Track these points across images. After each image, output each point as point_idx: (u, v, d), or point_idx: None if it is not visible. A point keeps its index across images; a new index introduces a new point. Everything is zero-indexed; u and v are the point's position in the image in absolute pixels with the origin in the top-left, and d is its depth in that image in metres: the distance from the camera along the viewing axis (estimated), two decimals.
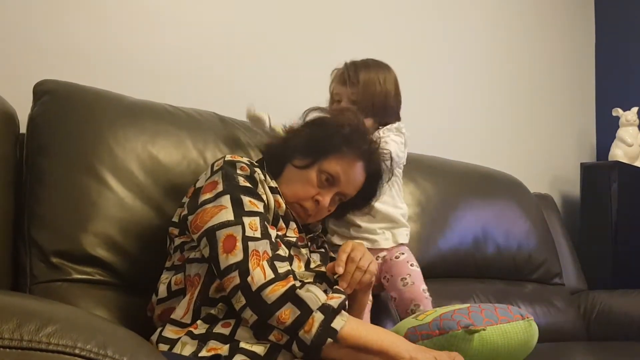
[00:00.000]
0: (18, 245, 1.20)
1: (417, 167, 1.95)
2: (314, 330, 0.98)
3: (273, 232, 1.10)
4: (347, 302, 1.09)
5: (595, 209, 2.61)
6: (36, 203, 1.21)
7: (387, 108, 1.50)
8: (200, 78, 1.82)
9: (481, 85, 2.65)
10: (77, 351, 0.54)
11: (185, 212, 1.14)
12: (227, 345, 1.01)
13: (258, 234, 1.05)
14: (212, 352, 0.99)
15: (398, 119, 1.53)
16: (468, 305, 1.22)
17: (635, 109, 2.82)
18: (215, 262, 1.04)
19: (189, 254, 1.13)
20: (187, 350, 1.02)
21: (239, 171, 1.14)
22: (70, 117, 1.28)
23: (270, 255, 1.04)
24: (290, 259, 1.14)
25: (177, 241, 1.16)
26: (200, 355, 1.00)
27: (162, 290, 1.14)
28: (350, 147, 1.24)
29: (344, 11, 2.20)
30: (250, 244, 1.03)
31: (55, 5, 1.57)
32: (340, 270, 1.14)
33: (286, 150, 1.28)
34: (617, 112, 2.84)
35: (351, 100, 1.48)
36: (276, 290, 1.00)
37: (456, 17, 2.57)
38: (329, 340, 0.98)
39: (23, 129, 1.31)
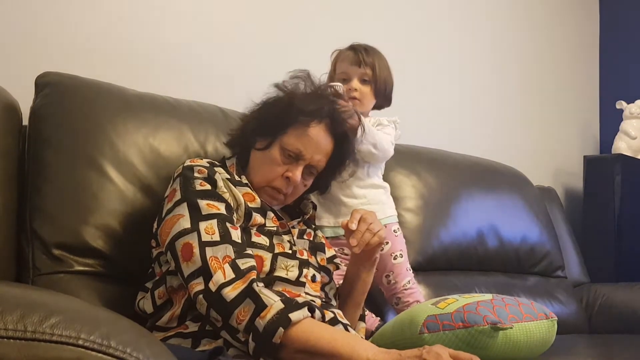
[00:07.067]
0: (20, 237, 1.20)
1: (420, 159, 1.95)
2: (269, 316, 0.94)
3: (236, 232, 1.07)
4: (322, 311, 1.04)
5: (598, 202, 2.61)
6: (38, 195, 1.21)
7: (389, 93, 1.58)
8: (202, 71, 1.81)
9: (484, 78, 2.63)
10: (80, 342, 0.55)
11: (156, 225, 1.14)
12: (221, 340, 1.01)
13: (217, 237, 1.03)
14: (208, 347, 0.99)
15: (390, 103, 1.61)
16: (491, 296, 1.21)
17: (639, 102, 2.81)
18: (180, 271, 1.03)
19: (166, 267, 1.12)
20: None
21: (196, 174, 1.12)
22: (72, 110, 1.28)
23: (233, 257, 1.01)
24: (271, 248, 1.13)
25: (154, 252, 1.16)
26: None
27: (148, 306, 1.12)
28: (307, 115, 1.18)
29: (351, 2, 2.19)
30: (208, 250, 1.01)
31: None
32: (353, 226, 1.11)
33: (246, 137, 1.25)
34: (621, 104, 2.83)
35: (362, 79, 1.53)
36: (236, 288, 0.97)
37: (462, 12, 2.56)
38: (281, 330, 0.93)
39: (25, 121, 1.30)
